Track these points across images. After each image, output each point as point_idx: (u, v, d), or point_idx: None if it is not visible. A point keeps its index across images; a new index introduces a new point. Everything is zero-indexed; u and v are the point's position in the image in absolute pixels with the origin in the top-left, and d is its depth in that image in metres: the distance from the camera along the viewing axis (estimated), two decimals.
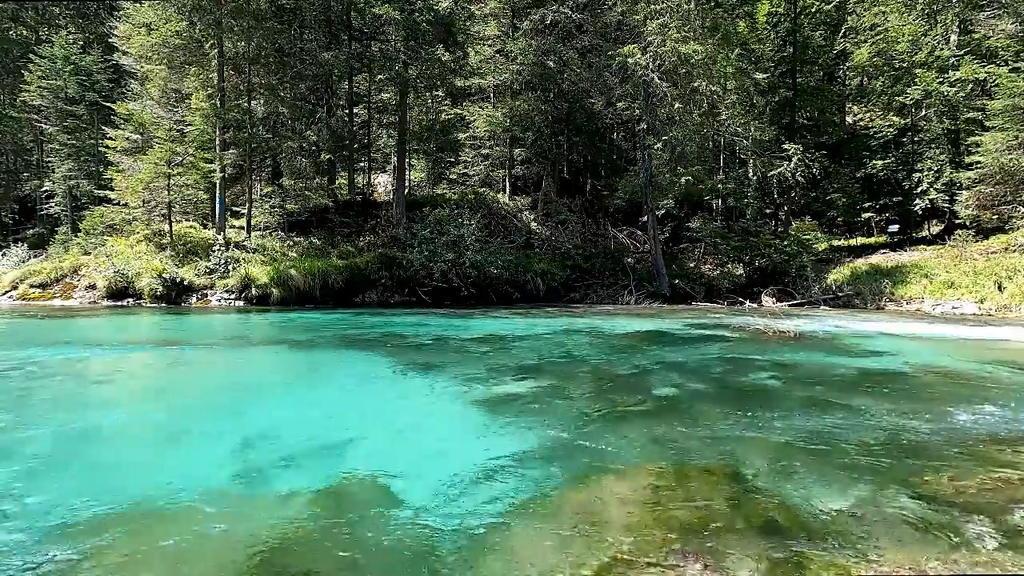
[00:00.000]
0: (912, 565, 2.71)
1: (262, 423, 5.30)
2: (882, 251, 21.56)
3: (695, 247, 24.20)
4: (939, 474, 3.83)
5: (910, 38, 21.01)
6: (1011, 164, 17.44)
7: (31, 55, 24.94)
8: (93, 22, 29.65)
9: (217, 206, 18.87)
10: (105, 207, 20.20)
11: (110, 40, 25.17)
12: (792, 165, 20.63)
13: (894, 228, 23.18)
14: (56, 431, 4.86)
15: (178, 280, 16.46)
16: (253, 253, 18.24)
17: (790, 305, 18.40)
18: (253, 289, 16.53)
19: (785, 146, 21.20)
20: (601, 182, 28.12)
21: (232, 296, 16.66)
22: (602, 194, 27.40)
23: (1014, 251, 17.13)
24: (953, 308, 15.47)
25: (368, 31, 21.73)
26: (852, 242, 24.09)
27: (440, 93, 24.54)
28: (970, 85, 19.78)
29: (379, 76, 22.20)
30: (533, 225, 23.79)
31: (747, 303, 19.14)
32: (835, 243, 23.86)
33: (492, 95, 25.66)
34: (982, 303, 15.26)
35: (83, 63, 24.94)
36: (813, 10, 24.54)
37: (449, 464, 4.17)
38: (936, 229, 22.48)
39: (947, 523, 3.12)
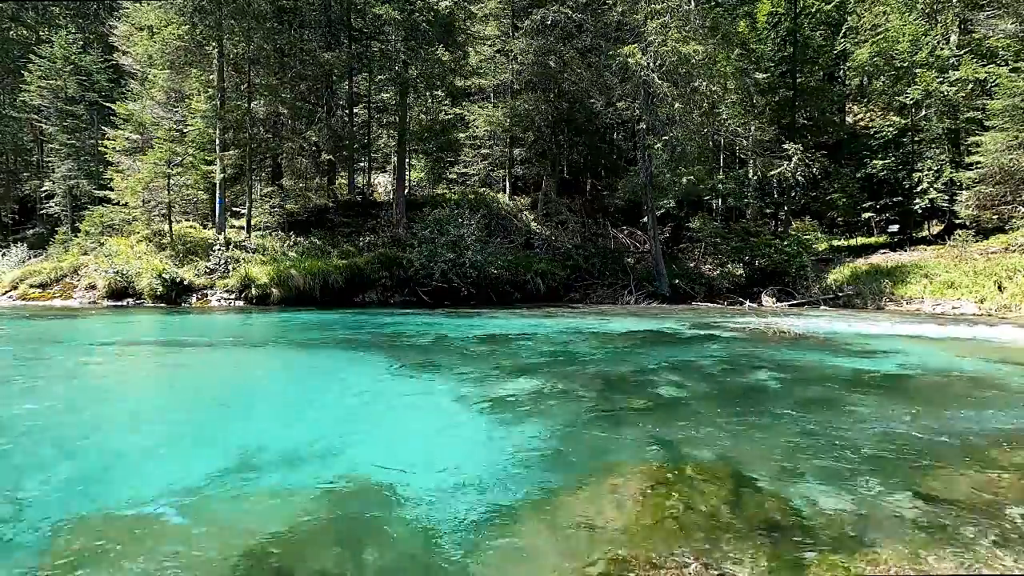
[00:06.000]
0: (912, 565, 2.70)
1: (261, 423, 5.30)
2: (882, 251, 21.56)
3: (695, 247, 24.21)
4: (939, 474, 3.83)
5: (910, 38, 21.02)
6: (1011, 164, 17.44)
7: (31, 55, 24.94)
8: (93, 22, 29.64)
9: (217, 206, 18.87)
10: (105, 207, 20.20)
11: (110, 40, 25.16)
12: (792, 165, 20.64)
13: (894, 228, 23.19)
14: (50, 430, 4.86)
15: (178, 280, 16.45)
16: (253, 253, 18.23)
17: (790, 305, 18.39)
18: (253, 289, 16.52)
19: (785, 146, 21.21)
20: (601, 182, 28.12)
21: (232, 296, 16.65)
22: (602, 194, 27.40)
23: (1014, 251, 17.13)
24: (953, 308, 15.47)
25: (368, 31, 21.73)
26: (852, 242, 24.10)
27: (440, 93, 24.55)
28: (970, 85, 19.78)
29: (379, 76, 22.19)
30: (533, 225, 23.79)
31: (747, 303, 19.14)
32: (835, 243, 23.86)
33: (492, 95, 25.66)
34: (982, 303, 15.25)
35: (83, 63, 24.94)
36: (813, 10, 24.57)
37: (449, 464, 4.17)
38: (936, 229, 22.49)
39: (947, 523, 3.12)
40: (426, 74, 21.42)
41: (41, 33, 28.31)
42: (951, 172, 20.38)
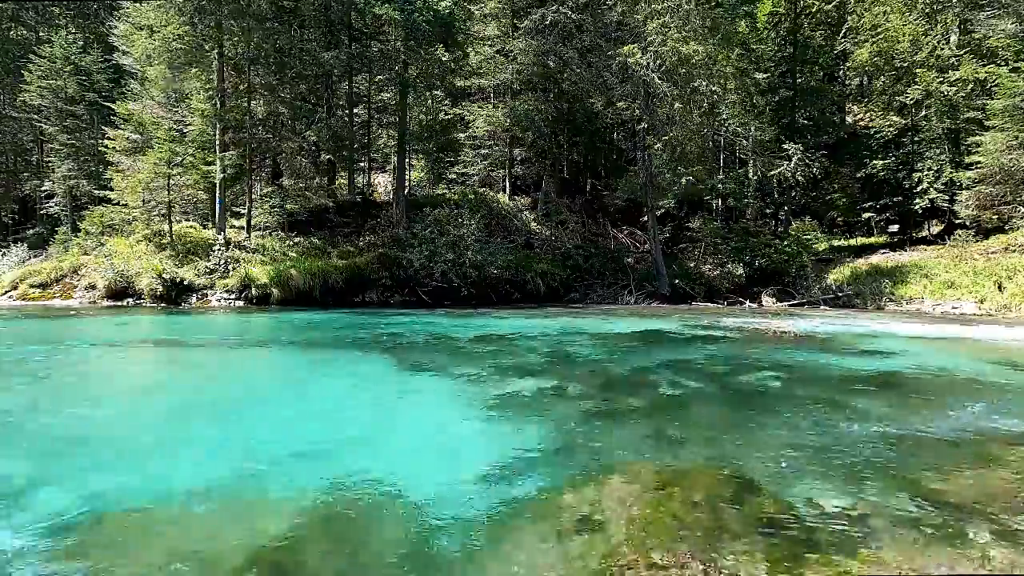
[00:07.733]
0: (912, 565, 2.70)
1: (262, 423, 5.30)
2: (882, 251, 21.56)
3: (695, 247, 24.18)
4: (939, 474, 3.83)
5: (910, 38, 21.01)
6: (1011, 164, 17.44)
7: (31, 55, 24.92)
8: (93, 22, 29.61)
9: (217, 206, 18.86)
10: (105, 207, 20.18)
11: (110, 40, 25.14)
12: (792, 165, 20.63)
13: (894, 228, 23.19)
14: (51, 430, 4.85)
15: (178, 280, 16.45)
16: (253, 253, 18.23)
17: (790, 305, 18.39)
18: (253, 289, 16.52)
19: (785, 146, 21.20)
20: (601, 182, 28.11)
21: (232, 296, 16.65)
22: (602, 194, 27.40)
23: (1014, 251, 17.13)
24: (953, 308, 15.47)
25: (368, 31, 21.72)
26: (852, 242, 24.09)
27: (440, 93, 24.53)
28: (970, 85, 19.78)
29: (379, 76, 22.18)
30: (533, 225, 23.78)
31: (747, 303, 19.14)
32: (835, 243, 23.86)
33: (492, 95, 25.64)
34: (982, 303, 15.25)
35: (83, 63, 24.91)
36: (813, 10, 24.57)
37: (450, 464, 4.17)
38: (936, 229, 22.49)
39: (947, 523, 3.12)
40: (426, 74, 21.39)
41: (41, 33, 28.29)
42: (951, 172, 20.37)
